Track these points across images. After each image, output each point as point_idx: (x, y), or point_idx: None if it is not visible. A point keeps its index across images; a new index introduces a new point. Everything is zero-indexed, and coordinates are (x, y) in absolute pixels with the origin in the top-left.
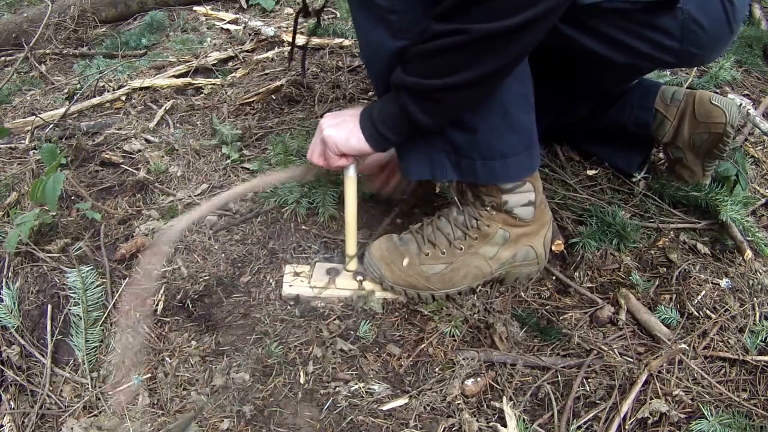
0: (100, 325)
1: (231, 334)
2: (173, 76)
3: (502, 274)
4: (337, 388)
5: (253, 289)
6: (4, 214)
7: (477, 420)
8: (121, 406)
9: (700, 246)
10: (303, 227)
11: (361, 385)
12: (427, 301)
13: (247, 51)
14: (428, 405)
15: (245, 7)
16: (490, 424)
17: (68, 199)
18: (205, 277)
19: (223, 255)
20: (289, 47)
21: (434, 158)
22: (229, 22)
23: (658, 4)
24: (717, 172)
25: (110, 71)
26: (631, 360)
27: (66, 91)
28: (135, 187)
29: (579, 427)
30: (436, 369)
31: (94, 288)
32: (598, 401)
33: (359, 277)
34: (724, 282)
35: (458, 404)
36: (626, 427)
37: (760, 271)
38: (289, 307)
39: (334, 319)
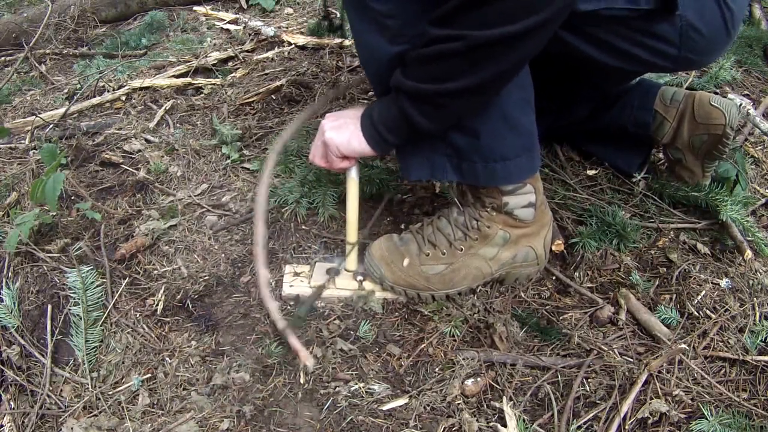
0: (100, 325)
1: (231, 334)
2: (173, 76)
3: (502, 274)
4: (337, 388)
5: (253, 289)
6: (4, 214)
7: (477, 420)
8: (121, 406)
9: (700, 246)
10: (303, 227)
11: (361, 385)
12: (427, 302)
13: (247, 51)
14: (428, 405)
15: (245, 7)
16: (490, 424)
17: (68, 199)
18: (205, 277)
19: (223, 255)
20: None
21: (434, 160)
22: (229, 22)
23: (656, 12)
24: (717, 172)
25: (110, 71)
26: (631, 360)
27: (66, 91)
28: (135, 187)
29: (579, 427)
30: (436, 369)
31: (94, 288)
32: (598, 401)
33: (359, 277)
34: (724, 282)
35: (458, 404)
36: (626, 427)
37: (760, 271)
38: (289, 307)
39: (334, 319)
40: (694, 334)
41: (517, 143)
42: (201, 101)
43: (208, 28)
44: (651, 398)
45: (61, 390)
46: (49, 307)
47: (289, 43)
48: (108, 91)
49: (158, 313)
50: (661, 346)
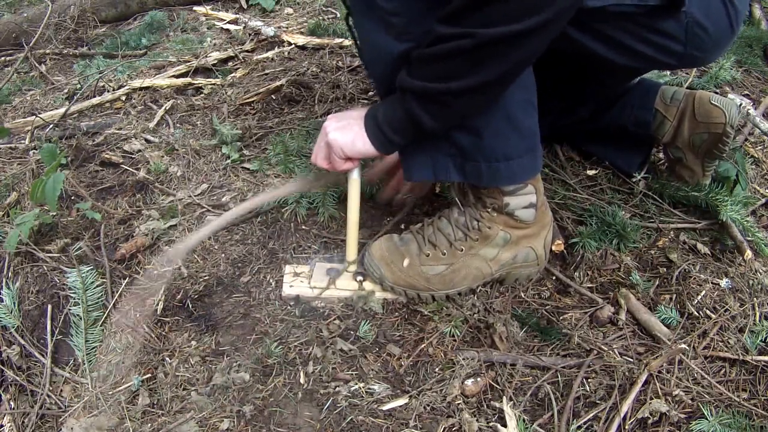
0: (100, 325)
1: (231, 334)
2: (173, 76)
3: (502, 275)
4: (337, 388)
5: (253, 289)
6: (4, 214)
7: (477, 420)
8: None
9: (700, 246)
10: (303, 227)
11: (361, 385)
12: (427, 302)
13: (247, 51)
14: (428, 405)
15: (245, 7)
16: (490, 424)
17: (68, 199)
18: (205, 277)
19: (223, 255)
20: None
21: (437, 160)
22: (229, 22)
23: (663, 8)
24: (717, 172)
25: (110, 71)
26: (631, 360)
27: (66, 91)
28: (135, 187)
29: (579, 427)
30: (436, 369)
31: (94, 288)
32: (598, 401)
33: (359, 278)
34: (724, 282)
35: (458, 404)
36: (626, 427)
37: (760, 271)
38: (289, 307)
39: (334, 319)
40: (694, 334)
41: (520, 143)
42: (201, 101)
43: (208, 28)
44: (651, 398)
45: (61, 390)
46: (49, 307)
47: (289, 43)
48: (108, 91)
49: (158, 313)
50: (661, 346)
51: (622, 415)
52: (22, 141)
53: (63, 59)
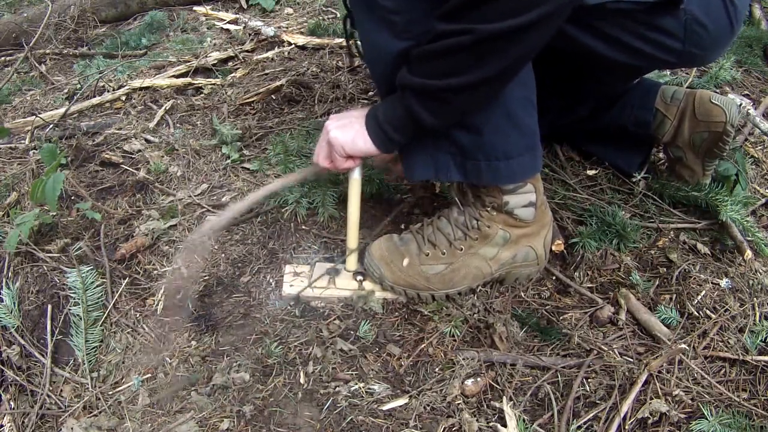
0: (100, 325)
1: (231, 334)
2: (173, 76)
3: (502, 274)
4: (337, 388)
5: (253, 289)
6: (4, 214)
7: (477, 420)
8: (121, 406)
9: (700, 246)
10: (303, 227)
11: (361, 385)
12: (427, 301)
13: (247, 51)
14: (428, 405)
15: (245, 7)
16: (490, 424)
17: (68, 199)
18: (205, 277)
19: (223, 255)
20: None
21: (438, 159)
22: (229, 22)
23: (661, 5)
24: (717, 171)
25: (110, 71)
26: (631, 360)
27: (66, 91)
28: (135, 187)
29: (579, 427)
30: (436, 369)
31: (94, 288)
32: (598, 401)
33: (359, 277)
34: (724, 282)
35: (458, 404)
36: (626, 427)
37: (760, 271)
38: (289, 307)
39: (334, 319)
40: (694, 334)
41: (520, 141)
42: (201, 101)
43: (208, 28)
44: (651, 398)
45: (61, 390)
46: (49, 307)
47: (289, 43)
48: (108, 91)
49: (158, 313)
50: (661, 346)
51: (622, 415)
52: (22, 141)
53: (63, 59)
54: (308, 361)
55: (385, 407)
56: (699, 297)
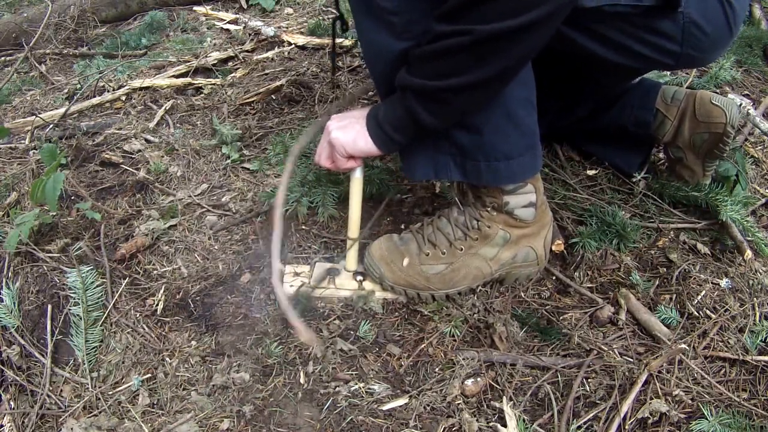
0: (100, 325)
1: (231, 334)
2: (173, 76)
3: (502, 274)
4: (337, 388)
5: (253, 289)
6: (4, 214)
7: (477, 420)
8: (121, 406)
9: (700, 246)
10: (303, 227)
11: (361, 385)
12: (427, 301)
13: (247, 51)
14: (428, 405)
15: (245, 7)
16: (490, 424)
17: (68, 199)
18: (205, 277)
19: (223, 255)
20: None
21: (438, 159)
22: (229, 22)
23: (658, 9)
24: (717, 172)
25: (110, 71)
26: (631, 360)
27: (66, 91)
28: (135, 187)
29: (579, 427)
30: (436, 369)
31: (94, 288)
32: (598, 401)
33: (359, 277)
34: (724, 282)
35: (458, 404)
36: (626, 427)
37: (760, 271)
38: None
39: (334, 319)
40: (694, 334)
41: (520, 141)
42: (201, 101)
43: (208, 28)
44: (651, 398)
45: (61, 390)
46: (49, 307)
47: (289, 43)
48: (108, 91)
49: (158, 313)
50: (661, 346)
51: (622, 415)
52: (22, 141)
53: (63, 59)
54: (308, 361)
55: (385, 407)
56: (699, 297)
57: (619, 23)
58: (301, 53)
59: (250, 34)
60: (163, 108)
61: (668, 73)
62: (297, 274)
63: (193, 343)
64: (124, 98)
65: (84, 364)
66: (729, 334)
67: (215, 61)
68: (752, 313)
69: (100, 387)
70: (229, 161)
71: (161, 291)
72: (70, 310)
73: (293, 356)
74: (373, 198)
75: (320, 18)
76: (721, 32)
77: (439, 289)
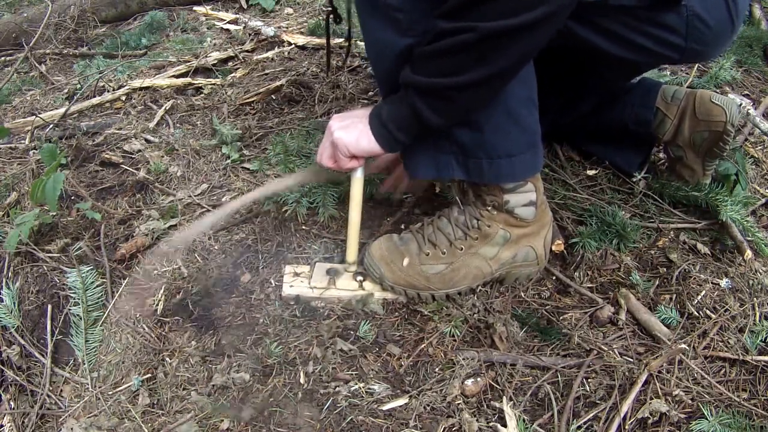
0: (100, 325)
1: (231, 334)
2: (173, 76)
3: (502, 274)
4: (337, 388)
5: (253, 289)
6: (4, 214)
7: (477, 420)
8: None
9: (700, 246)
10: (303, 227)
11: (361, 385)
12: (427, 301)
13: (247, 51)
14: (428, 405)
15: (245, 7)
16: (490, 424)
17: (68, 199)
18: (205, 277)
19: (223, 255)
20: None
21: (440, 158)
22: (229, 22)
23: (662, 2)
24: (717, 171)
25: (110, 71)
26: (631, 360)
27: (66, 91)
28: (135, 187)
29: (579, 427)
30: (436, 369)
31: (94, 288)
32: (598, 401)
33: (359, 278)
34: (724, 282)
35: (458, 404)
36: (626, 427)
37: (760, 271)
38: (289, 307)
39: (334, 319)
40: (694, 334)
41: (521, 139)
42: (201, 101)
43: (208, 28)
44: (651, 398)
45: (61, 390)
46: (49, 307)
47: (289, 43)
48: (108, 91)
49: (158, 313)
50: (661, 346)
51: (622, 415)
52: (22, 141)
53: (63, 59)
54: (308, 361)
55: (385, 407)
56: (699, 297)
57: (623, 17)
58: (301, 53)
59: (250, 34)
60: (163, 108)
61: (668, 72)
62: (297, 274)
63: (193, 343)
64: (124, 98)
65: (84, 364)
66: (729, 334)
67: (215, 61)
68: (752, 313)
69: (100, 387)
70: (229, 161)
71: (161, 291)
72: (70, 310)
73: (293, 356)
74: (373, 198)
75: (320, 18)
76: (724, 25)
77: (439, 289)
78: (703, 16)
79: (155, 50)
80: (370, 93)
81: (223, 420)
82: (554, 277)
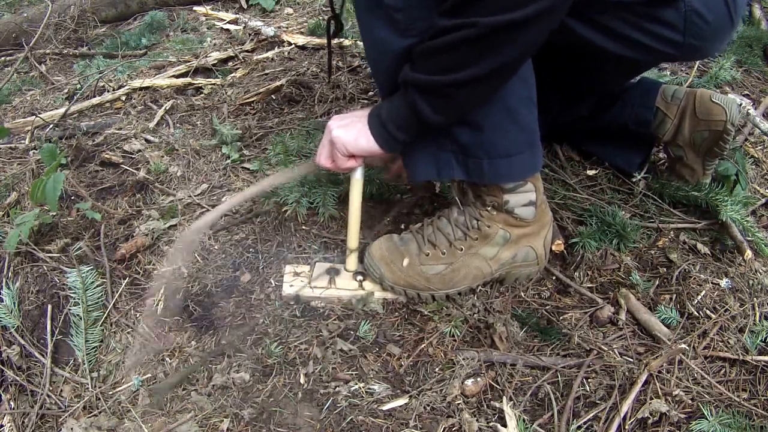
0: (100, 325)
1: (231, 334)
2: (173, 76)
3: (502, 274)
4: (337, 388)
5: (253, 289)
6: (4, 214)
7: (477, 420)
8: (121, 406)
9: (700, 246)
10: (303, 227)
11: (361, 385)
12: (427, 301)
13: (247, 51)
14: (428, 405)
15: (245, 7)
16: (490, 424)
17: (68, 199)
18: (205, 277)
19: (223, 255)
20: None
21: (440, 158)
22: (229, 22)
23: None
24: (717, 171)
25: (110, 71)
26: (631, 360)
27: (66, 91)
28: (135, 187)
29: (579, 427)
30: (436, 369)
31: (94, 288)
32: (598, 401)
33: (359, 278)
34: (724, 282)
35: (458, 404)
36: (626, 427)
37: (760, 271)
38: (289, 307)
39: (334, 319)
40: (694, 334)
41: (520, 138)
42: (201, 101)
43: (208, 28)
44: (651, 398)
45: (61, 390)
46: (49, 307)
47: (289, 43)
48: (108, 91)
49: (158, 313)
50: (661, 346)
51: (622, 415)
52: (22, 141)
53: (63, 59)
54: (308, 361)
55: (385, 407)
56: (699, 297)
57: (622, 13)
58: (301, 53)
59: (250, 34)
60: (163, 108)
61: (668, 72)
62: (297, 274)
63: (193, 343)
64: (124, 98)
65: (84, 364)
66: (729, 334)
67: (215, 61)
68: (752, 313)
69: (100, 387)
70: (229, 161)
71: (161, 291)
72: (70, 310)
73: (293, 356)
74: (373, 198)
75: (320, 18)
76: (723, 21)
77: (439, 289)
78: (702, 11)
79: (155, 50)
80: (370, 93)
81: (223, 420)
82: (554, 277)
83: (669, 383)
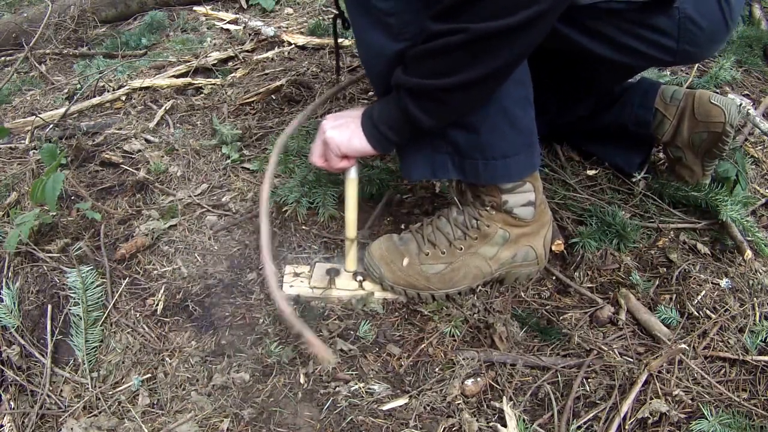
0: (100, 325)
1: (231, 334)
2: (173, 76)
3: (502, 274)
4: (337, 388)
5: (253, 289)
6: (4, 214)
7: (477, 420)
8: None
9: (700, 246)
10: (303, 227)
11: (361, 385)
12: (427, 301)
13: (247, 51)
14: (428, 405)
15: (245, 7)
16: (490, 424)
17: (68, 199)
18: (205, 277)
19: (223, 255)
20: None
21: (435, 159)
22: (229, 22)
23: (654, 4)
24: (717, 172)
25: (110, 71)
26: (631, 360)
27: (66, 91)
28: (135, 187)
29: (579, 427)
30: (436, 369)
31: (94, 288)
32: (598, 401)
33: (359, 278)
34: (724, 282)
35: (458, 404)
36: (626, 427)
37: (760, 271)
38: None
39: (334, 319)
40: (694, 334)
41: (517, 140)
42: (201, 101)
43: (208, 28)
44: (651, 398)
45: (61, 390)
46: (49, 307)
47: (289, 43)
48: (108, 91)
49: (158, 313)
50: (661, 346)
51: (622, 415)
52: (22, 141)
53: (63, 59)
54: (308, 361)
55: (385, 407)
56: (699, 297)
57: (615, 20)
58: (301, 53)
59: (250, 34)
60: (163, 108)
61: (668, 72)
62: (297, 275)
63: (193, 343)
64: (124, 98)
65: (84, 364)
66: (729, 334)
67: (215, 61)
68: (752, 313)
69: (100, 387)
70: (229, 161)
71: (161, 291)
72: (70, 310)
73: (293, 356)
74: (373, 198)
75: (320, 18)
76: (717, 27)
77: (439, 288)
78: (696, 18)
79: (155, 50)
80: (370, 93)
81: (223, 420)
82: (554, 277)
83: (669, 383)
